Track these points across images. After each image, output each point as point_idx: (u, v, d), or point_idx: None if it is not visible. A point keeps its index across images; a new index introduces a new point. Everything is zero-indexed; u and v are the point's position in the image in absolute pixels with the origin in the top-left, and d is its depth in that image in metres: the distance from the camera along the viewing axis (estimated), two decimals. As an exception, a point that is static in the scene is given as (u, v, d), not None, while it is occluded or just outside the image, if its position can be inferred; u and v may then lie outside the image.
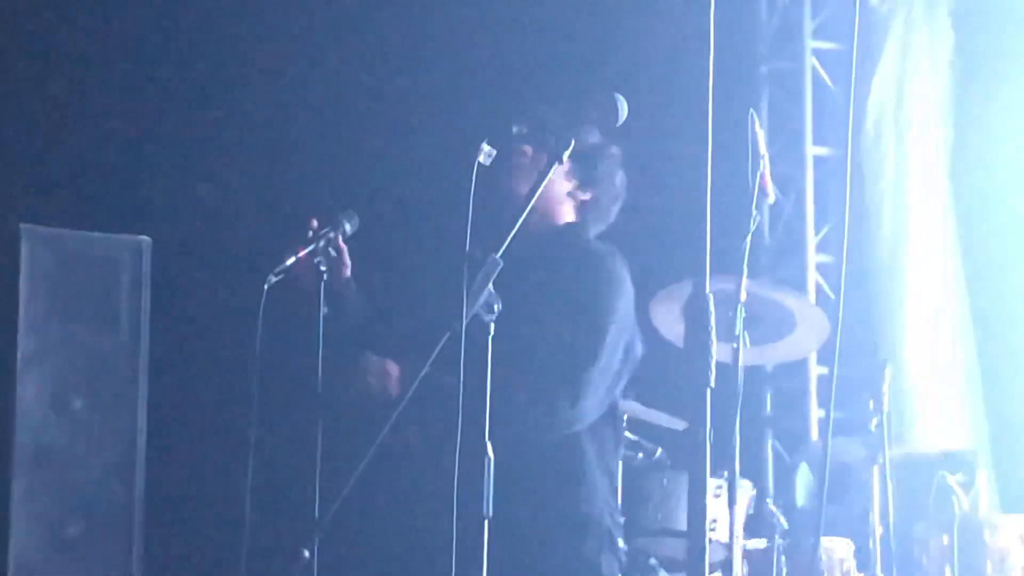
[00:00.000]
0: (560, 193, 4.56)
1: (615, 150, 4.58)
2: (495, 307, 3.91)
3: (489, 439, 3.81)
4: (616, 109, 4.17)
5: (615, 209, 4.60)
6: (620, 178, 4.61)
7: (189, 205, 7.16)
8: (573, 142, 4.12)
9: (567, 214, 4.57)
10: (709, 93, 3.43)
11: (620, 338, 4.46)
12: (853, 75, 6.22)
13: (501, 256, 3.89)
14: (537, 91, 7.00)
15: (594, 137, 4.50)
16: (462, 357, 3.78)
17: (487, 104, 7.07)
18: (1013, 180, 7.63)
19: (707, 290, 3.45)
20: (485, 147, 4.02)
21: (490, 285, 3.90)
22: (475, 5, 7.42)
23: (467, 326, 3.80)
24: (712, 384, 3.36)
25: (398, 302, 4.79)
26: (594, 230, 4.57)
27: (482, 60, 7.47)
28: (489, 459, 3.81)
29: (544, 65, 7.37)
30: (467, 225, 3.88)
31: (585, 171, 4.55)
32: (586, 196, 4.55)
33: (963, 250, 7.91)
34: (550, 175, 4.12)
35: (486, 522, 3.82)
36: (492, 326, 3.89)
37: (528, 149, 4.54)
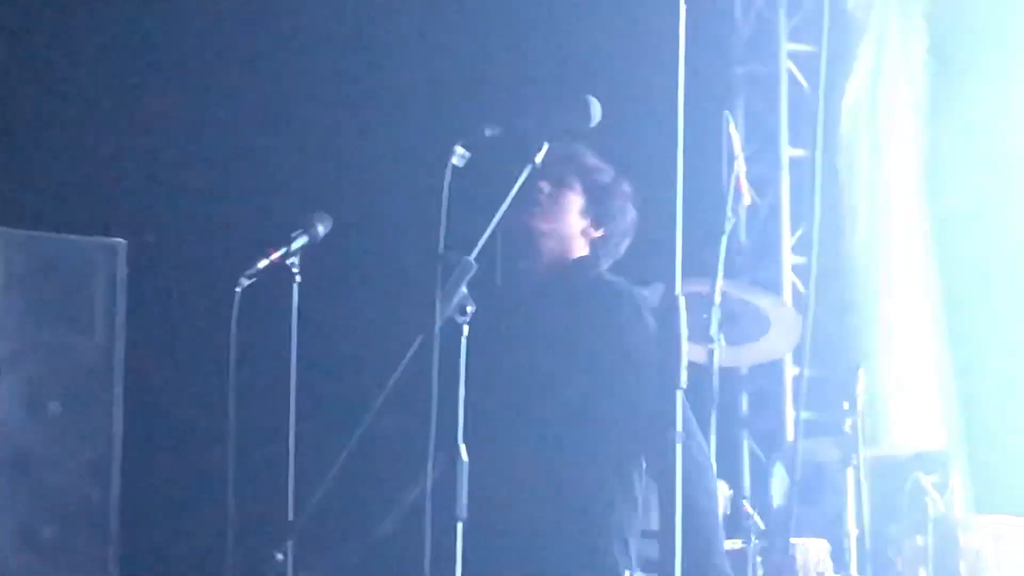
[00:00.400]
0: (574, 231, 4.59)
1: (626, 187, 4.61)
2: (468, 309, 3.92)
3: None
4: (588, 112, 4.19)
5: (625, 244, 4.63)
6: (631, 215, 4.62)
7: (164, 207, 7.15)
8: (546, 145, 4.15)
9: (580, 249, 4.60)
10: (679, 95, 3.44)
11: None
12: (822, 79, 6.30)
13: (475, 258, 3.91)
14: (510, 93, 7.04)
15: (606, 176, 4.55)
16: (435, 359, 3.79)
17: (460, 106, 7.07)
18: (988, 181, 7.65)
19: (677, 292, 3.46)
20: (459, 149, 4.04)
21: (463, 287, 3.91)
22: (447, 8, 7.43)
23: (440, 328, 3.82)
24: (683, 385, 3.38)
25: (371, 304, 4.81)
26: (604, 264, 4.58)
27: (455, 62, 7.47)
28: (463, 462, 3.82)
29: (517, 67, 7.38)
30: (440, 227, 3.90)
31: (598, 209, 4.57)
32: (598, 233, 4.56)
33: (938, 251, 7.93)
34: (522, 178, 4.11)
35: (460, 525, 3.81)
36: (466, 328, 3.91)
37: (545, 185, 4.56)
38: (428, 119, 7.05)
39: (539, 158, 4.15)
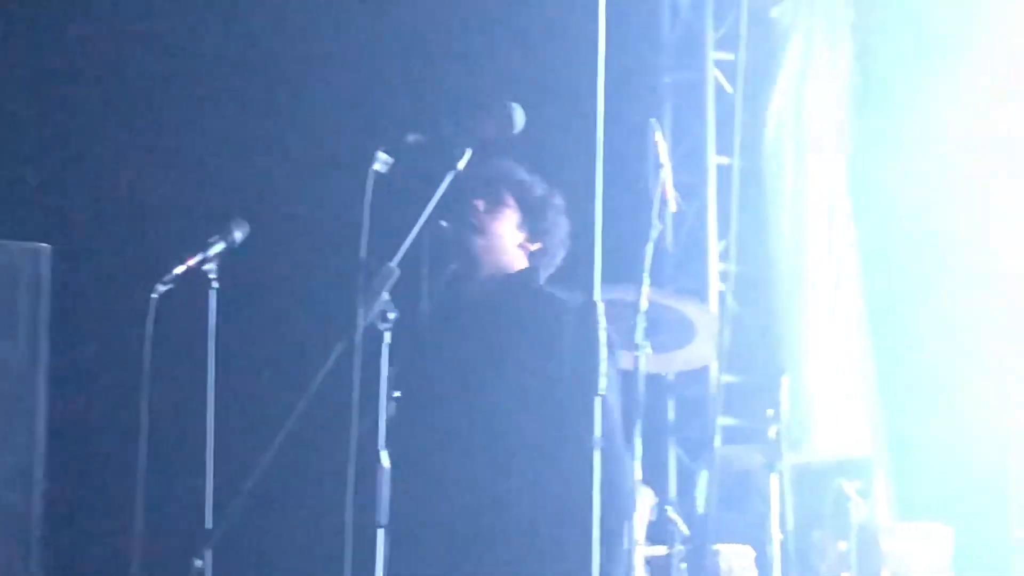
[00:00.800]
0: (511, 245, 4.61)
1: (559, 200, 4.62)
2: (390, 316, 3.93)
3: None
4: (511, 119, 4.23)
5: (561, 255, 4.65)
6: (566, 226, 4.64)
7: (88, 213, 7.11)
8: (468, 152, 4.17)
9: (519, 263, 4.62)
10: (598, 103, 3.47)
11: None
12: (739, 86, 6.37)
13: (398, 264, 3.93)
14: (434, 99, 7.06)
15: (539, 190, 4.57)
16: (356, 365, 3.79)
17: (383, 113, 7.08)
18: (911, 189, 7.68)
19: (596, 298, 3.48)
20: (381, 155, 4.06)
21: (385, 293, 3.92)
22: (371, 14, 7.42)
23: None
24: (602, 391, 3.40)
25: (292, 310, 4.80)
26: (543, 276, 4.61)
27: (378, 69, 7.47)
28: (384, 469, 3.82)
29: (440, 74, 7.39)
30: (362, 233, 3.90)
31: (533, 223, 4.60)
32: (535, 246, 4.59)
33: (862, 258, 7.98)
34: (444, 184, 4.16)
35: (381, 531, 3.84)
36: (388, 335, 3.92)
37: (480, 203, 4.58)
38: (351, 125, 7.05)
39: (462, 164, 4.19)
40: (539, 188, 4.58)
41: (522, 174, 4.62)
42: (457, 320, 4.46)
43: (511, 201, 4.62)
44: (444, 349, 4.49)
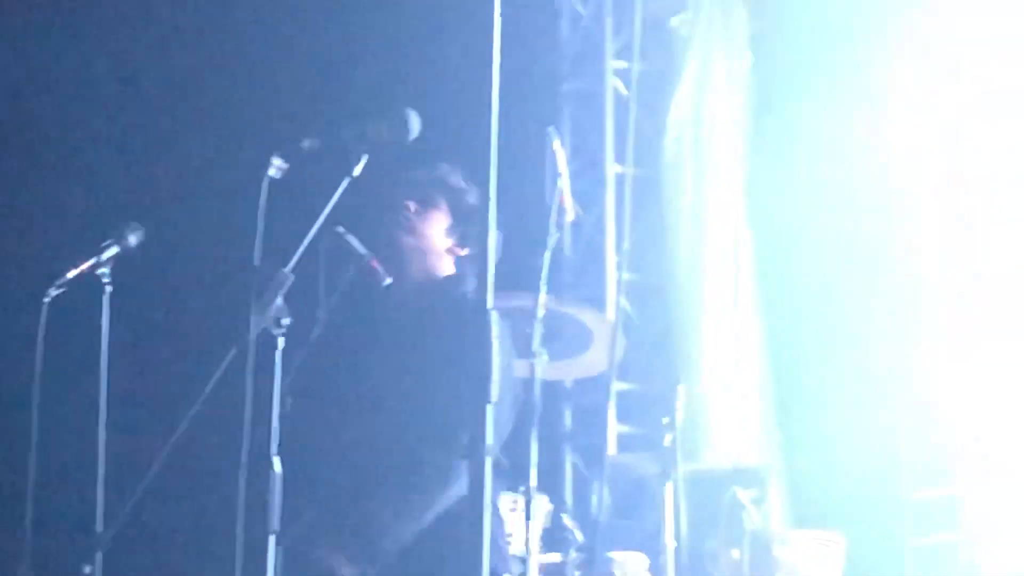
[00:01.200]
0: (440, 249, 4.70)
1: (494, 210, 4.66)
2: (283, 321, 3.93)
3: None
4: (407, 126, 4.27)
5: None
6: (498, 237, 4.68)
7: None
8: (365, 157, 4.18)
9: (447, 268, 4.71)
10: (492, 112, 3.48)
11: (507, 390, 4.54)
12: (634, 93, 6.41)
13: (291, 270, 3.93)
14: (330, 105, 7.06)
15: (472, 197, 4.65)
16: (249, 370, 3.78)
17: (278, 118, 7.07)
18: (807, 200, 7.74)
19: (489, 305, 3.49)
20: (276, 161, 4.05)
21: (279, 299, 3.92)
22: (267, 19, 7.41)
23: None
24: (493, 399, 3.41)
25: (185, 315, 4.79)
26: (471, 284, 4.64)
27: (274, 73, 7.47)
28: (276, 474, 3.82)
29: (337, 79, 7.40)
30: (256, 239, 3.90)
31: (463, 228, 4.70)
32: (463, 252, 4.69)
33: (758, 268, 8.04)
34: (340, 191, 4.18)
35: (272, 537, 3.83)
36: (281, 340, 3.91)
37: (411, 204, 4.65)
38: (246, 130, 7.02)
39: (357, 171, 4.20)
40: (473, 196, 4.65)
41: (457, 180, 4.71)
42: (373, 324, 4.49)
43: (443, 205, 4.72)
44: (349, 354, 4.53)
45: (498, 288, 3.76)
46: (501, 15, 3.67)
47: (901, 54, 7.66)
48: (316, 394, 4.39)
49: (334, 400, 4.65)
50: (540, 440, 5.31)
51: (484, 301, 3.47)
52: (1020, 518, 7.34)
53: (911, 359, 7.61)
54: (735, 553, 6.61)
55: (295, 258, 4.00)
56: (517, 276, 5.40)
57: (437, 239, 4.73)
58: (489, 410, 3.37)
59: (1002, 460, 7.44)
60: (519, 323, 5.28)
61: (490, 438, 3.39)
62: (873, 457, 7.57)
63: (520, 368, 5.34)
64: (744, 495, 6.81)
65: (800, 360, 7.87)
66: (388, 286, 4.50)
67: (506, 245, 4.17)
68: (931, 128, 7.62)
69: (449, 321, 4.48)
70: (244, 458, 3.78)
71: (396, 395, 4.56)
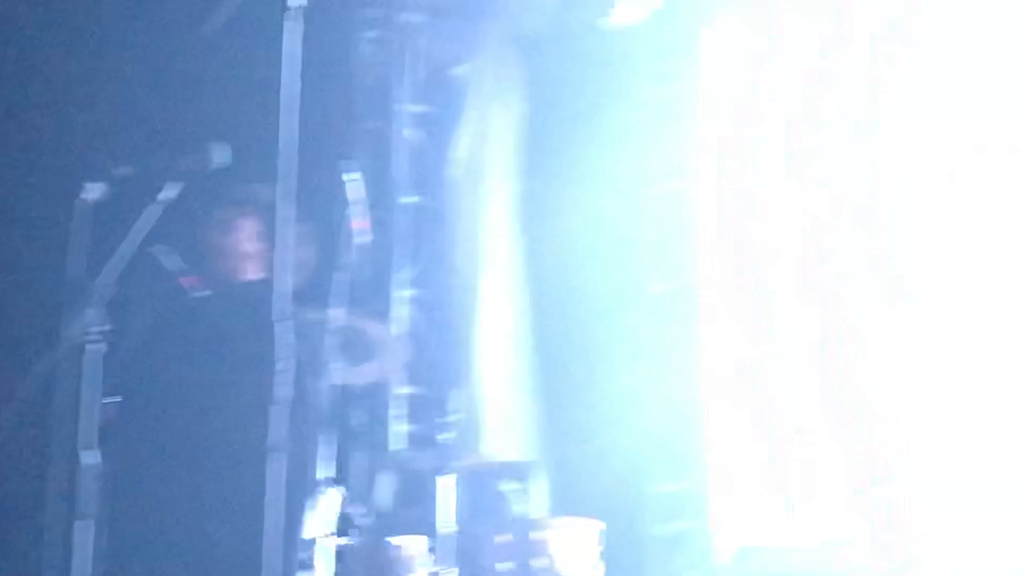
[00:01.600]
0: (248, 251, 4.87)
1: (307, 227, 4.82)
2: (94, 329, 4.15)
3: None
4: (211, 156, 4.46)
5: (305, 275, 4.86)
6: (311, 249, 4.87)
7: None
8: (178, 184, 4.38)
9: (253, 271, 4.83)
10: (294, 144, 3.88)
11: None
12: (421, 133, 6.46)
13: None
14: (141, 135, 6.94)
15: (289, 213, 4.64)
16: (62, 375, 3.99)
17: (93, 144, 6.90)
18: (571, 223, 8.16)
19: (275, 318, 3.79)
20: (89, 186, 4.28)
21: (94, 308, 4.11)
22: (81, 47, 7.24)
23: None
24: (279, 402, 3.72)
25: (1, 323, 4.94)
26: (284, 295, 4.62)
27: (89, 101, 7.25)
28: (85, 466, 4.00)
29: (147, 110, 7.24)
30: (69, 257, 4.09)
31: (269, 243, 4.71)
32: (277, 264, 4.61)
33: (530, 284, 8.38)
34: (153, 215, 4.33)
35: (77, 523, 3.98)
36: (96, 346, 4.08)
37: (227, 213, 4.75)
38: (61, 156, 6.84)
39: (167, 196, 4.35)
40: (289, 211, 4.62)
41: (273, 196, 4.66)
42: (180, 330, 4.59)
43: (259, 219, 4.88)
44: (165, 358, 4.67)
45: (298, 302, 4.09)
46: (302, 57, 4.04)
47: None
48: (136, 395, 4.48)
49: (153, 400, 4.76)
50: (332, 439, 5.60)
51: (270, 312, 3.74)
52: (745, 508, 7.67)
53: (658, 369, 7.95)
54: (503, 538, 6.93)
55: (107, 272, 4.12)
56: (315, 292, 5.75)
57: (245, 243, 4.87)
58: (274, 411, 3.70)
59: (729, 457, 7.79)
60: (315, 333, 5.54)
61: (274, 436, 3.69)
62: (625, 455, 7.83)
63: (317, 374, 5.57)
64: (511, 487, 7.22)
65: (565, 367, 8.14)
66: (203, 296, 4.67)
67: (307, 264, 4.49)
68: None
69: (246, 328, 4.64)
70: (54, 452, 3.97)
71: (204, 396, 4.71)
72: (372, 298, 7.91)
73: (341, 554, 6.40)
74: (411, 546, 6.68)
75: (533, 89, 8.58)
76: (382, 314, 8.00)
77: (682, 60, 8.13)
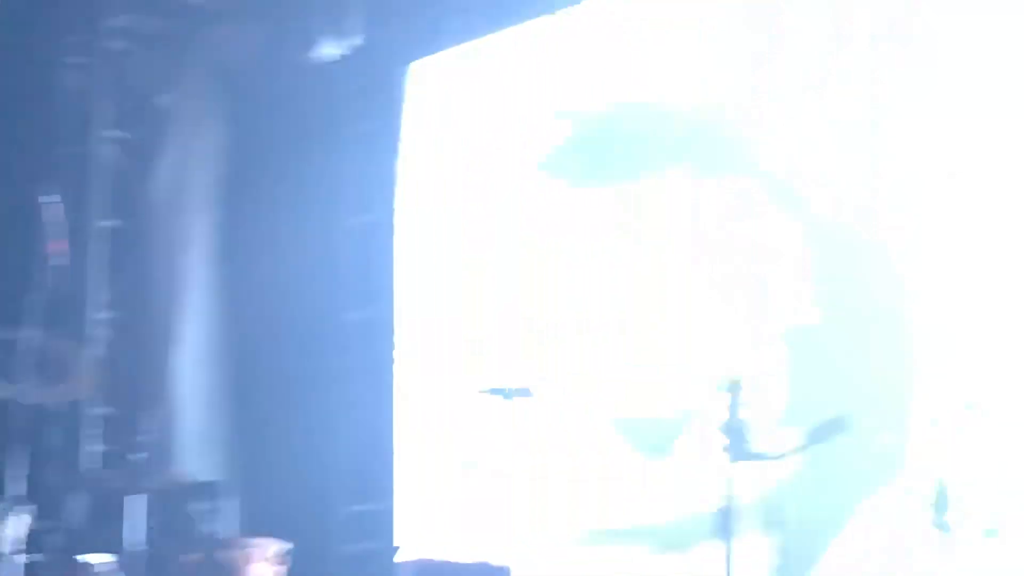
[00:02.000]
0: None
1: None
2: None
3: None
4: None
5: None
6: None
7: None
8: None
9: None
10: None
11: None
12: (122, 159, 6.51)
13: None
14: None
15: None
16: None
17: None
18: (274, 255, 8.26)
19: None
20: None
21: None
22: None
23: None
24: None
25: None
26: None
27: None
28: None
29: None
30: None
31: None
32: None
33: (229, 309, 8.41)
34: None
35: None
36: None
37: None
38: None
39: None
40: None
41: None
42: None
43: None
44: None
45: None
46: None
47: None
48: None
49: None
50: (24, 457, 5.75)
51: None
52: (432, 529, 7.81)
53: (351, 393, 8.16)
54: (195, 557, 6.89)
55: None
56: (9, 312, 5.79)
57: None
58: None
59: (417, 479, 7.97)
60: (5, 352, 5.74)
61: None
62: (317, 476, 7.98)
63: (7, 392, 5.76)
64: (200, 506, 7.26)
65: (259, 390, 8.25)
66: None
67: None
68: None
69: None
70: None
71: None
72: (67, 319, 7.94)
73: (31, 570, 6.49)
74: (100, 563, 6.69)
75: (235, 120, 8.63)
76: (77, 335, 7.97)
77: (384, 96, 8.33)
